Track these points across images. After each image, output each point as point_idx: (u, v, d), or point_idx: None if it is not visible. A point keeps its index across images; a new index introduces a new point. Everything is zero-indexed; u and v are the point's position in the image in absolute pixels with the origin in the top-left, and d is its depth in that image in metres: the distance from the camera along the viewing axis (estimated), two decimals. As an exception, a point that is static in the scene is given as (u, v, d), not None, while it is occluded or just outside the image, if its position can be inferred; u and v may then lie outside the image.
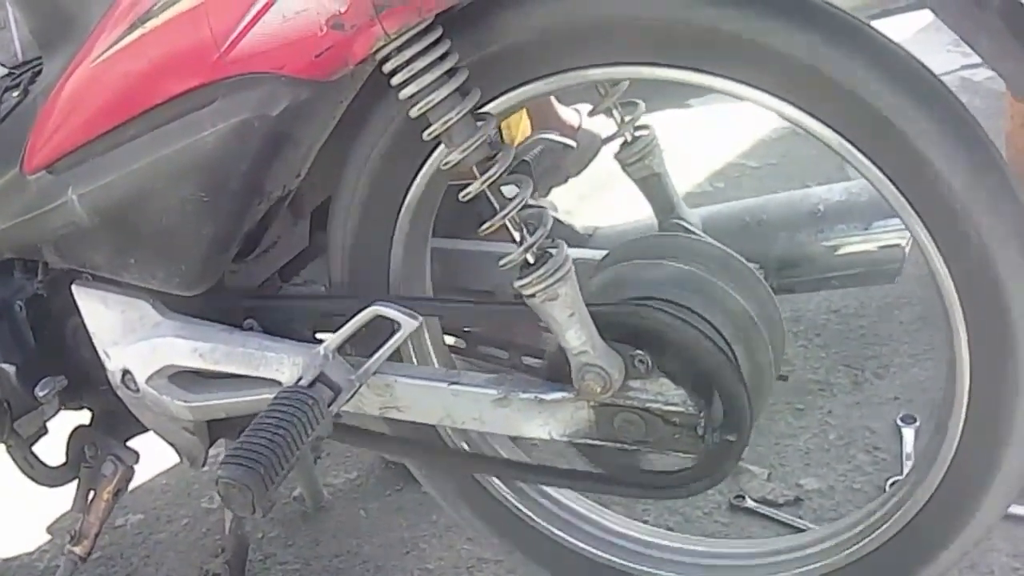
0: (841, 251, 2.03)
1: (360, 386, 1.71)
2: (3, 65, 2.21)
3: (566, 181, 2.58)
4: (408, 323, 1.69)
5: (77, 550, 2.15)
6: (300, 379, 1.68)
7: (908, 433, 2.46)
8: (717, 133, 3.53)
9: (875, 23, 1.50)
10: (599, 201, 2.92)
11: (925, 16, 3.71)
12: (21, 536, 2.69)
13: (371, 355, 1.70)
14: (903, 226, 1.56)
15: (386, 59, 1.54)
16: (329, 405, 1.66)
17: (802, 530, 2.23)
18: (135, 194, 1.76)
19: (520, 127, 2.38)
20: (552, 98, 2.59)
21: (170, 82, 1.66)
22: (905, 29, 3.12)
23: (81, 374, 2.03)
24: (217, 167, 1.68)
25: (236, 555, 2.33)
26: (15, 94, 1.98)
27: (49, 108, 1.81)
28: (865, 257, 2.02)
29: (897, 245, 1.98)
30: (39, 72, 1.95)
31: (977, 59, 1.43)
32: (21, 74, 2.03)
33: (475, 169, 1.57)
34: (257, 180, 1.70)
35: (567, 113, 2.62)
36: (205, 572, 2.40)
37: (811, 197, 2.11)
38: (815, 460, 2.46)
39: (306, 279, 2.05)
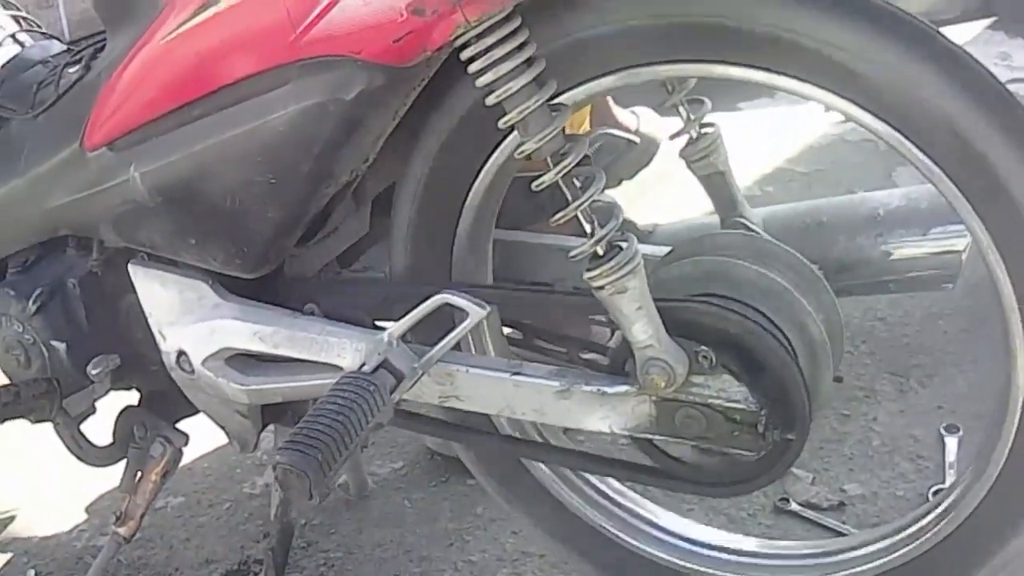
0: (899, 255, 2.03)
1: (423, 374, 1.70)
2: (60, 40, 2.21)
3: (618, 184, 2.57)
4: (476, 312, 1.68)
5: (122, 531, 2.15)
6: (363, 365, 1.67)
7: (951, 442, 2.46)
8: (766, 137, 3.52)
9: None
10: (645, 202, 2.92)
11: (973, 28, 3.72)
12: (59, 514, 2.68)
13: (435, 343, 1.70)
14: (961, 232, 1.56)
15: (464, 46, 1.53)
16: (391, 392, 1.65)
17: (845, 534, 2.21)
18: (200, 174, 1.76)
19: (582, 123, 2.37)
20: (610, 99, 2.58)
21: (242, 62, 1.66)
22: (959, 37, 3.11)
23: (134, 354, 2.03)
24: (287, 150, 1.68)
25: (281, 541, 2.32)
26: (75, 69, 1.98)
27: (113, 84, 1.81)
28: (922, 262, 2.02)
29: (955, 251, 1.98)
30: (101, 48, 1.95)
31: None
32: (82, 49, 2.03)
33: (549, 159, 1.56)
34: (327, 164, 1.69)
35: (624, 115, 2.61)
36: (247, 557, 2.42)
37: (871, 201, 2.11)
38: (859, 466, 2.45)
39: (365, 265, 2.05)
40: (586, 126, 2.38)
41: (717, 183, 1.92)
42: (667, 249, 1.86)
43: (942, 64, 1.45)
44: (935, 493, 2.31)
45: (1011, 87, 1.50)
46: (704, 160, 1.91)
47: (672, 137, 1.91)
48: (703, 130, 1.90)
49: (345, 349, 1.77)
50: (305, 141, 1.66)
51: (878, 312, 2.81)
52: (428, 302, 1.70)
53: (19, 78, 2.08)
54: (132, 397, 2.16)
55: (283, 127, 1.66)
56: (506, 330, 2.00)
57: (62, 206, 1.94)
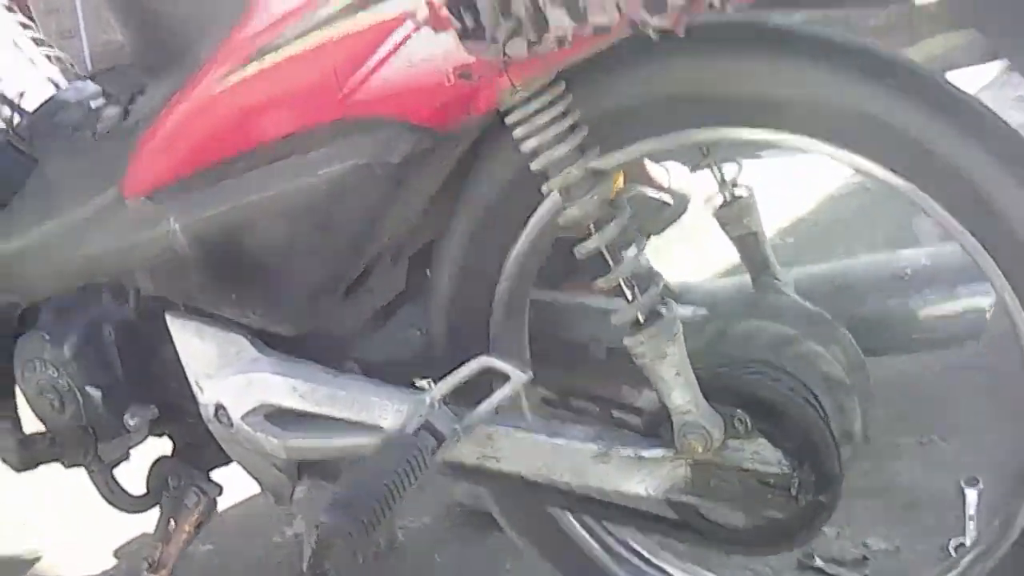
0: (925, 314, 2.04)
1: (463, 436, 1.72)
2: (94, 82, 2.22)
3: (647, 239, 2.57)
4: (518, 376, 1.70)
5: None
6: (404, 427, 1.69)
7: (971, 495, 2.46)
8: (788, 186, 3.53)
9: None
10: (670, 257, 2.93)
11: (989, 71, 3.72)
12: (88, 558, 2.69)
13: (474, 404, 1.72)
14: (986, 290, 1.58)
15: (509, 111, 1.55)
16: (433, 453, 1.67)
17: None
18: (241, 229, 1.77)
19: (616, 180, 2.39)
20: None
21: (287, 119, 1.67)
22: (971, 84, 3.12)
23: (170, 403, 2.03)
24: (331, 209, 1.69)
25: None
26: (111, 112, 1.99)
27: (153, 134, 1.81)
28: (948, 320, 2.03)
29: (981, 309, 1.99)
30: (138, 92, 1.96)
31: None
32: (119, 94, 2.03)
33: (592, 226, 1.58)
34: (371, 225, 1.71)
35: (656, 171, 2.62)
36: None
37: (898, 261, 2.13)
38: (882, 520, 2.45)
39: (401, 322, 2.04)
40: (620, 183, 2.39)
41: (750, 244, 1.93)
42: (701, 310, 1.88)
43: (961, 120, 1.49)
44: (956, 547, 2.32)
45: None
46: (738, 222, 1.92)
47: (707, 200, 1.92)
48: (736, 191, 1.92)
49: (387, 409, 1.77)
50: (349, 201, 1.67)
51: (902, 366, 2.81)
52: (469, 365, 1.72)
53: (54, 119, 2.07)
54: (165, 445, 2.16)
55: (327, 186, 1.67)
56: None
57: (99, 253, 1.93)
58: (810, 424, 1.65)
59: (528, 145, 1.56)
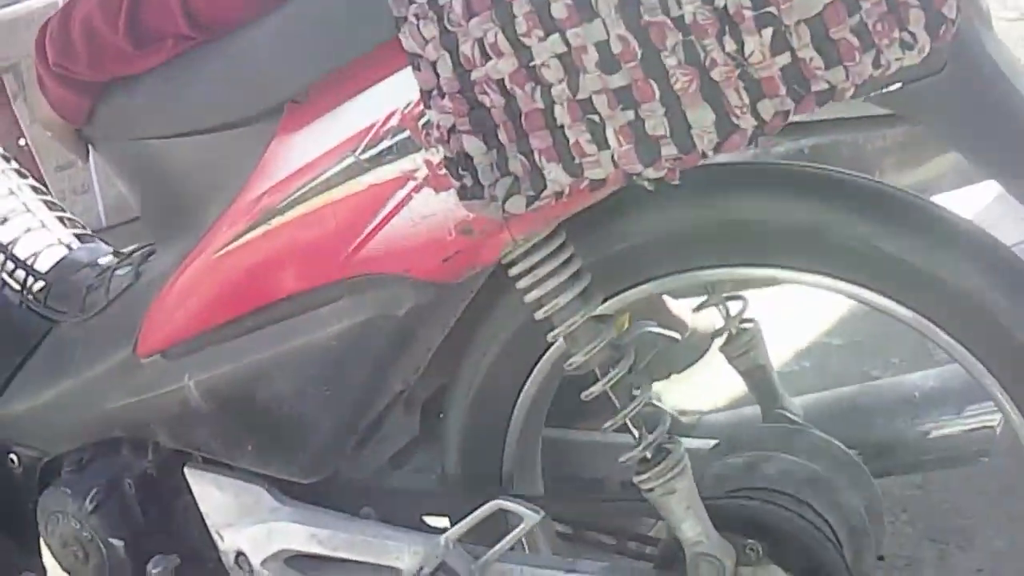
0: (935, 435, 2.06)
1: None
2: (106, 243, 2.26)
3: (668, 377, 2.58)
4: (531, 517, 1.73)
5: None
6: (421, 568, 1.72)
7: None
8: (801, 311, 3.55)
9: (941, 196, 1.55)
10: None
11: (992, 187, 3.74)
12: None
13: (490, 544, 1.75)
14: (994, 408, 1.60)
15: (511, 263, 1.59)
16: (450, 594, 1.68)
17: None
18: (254, 384, 1.79)
19: (621, 321, 2.41)
20: None
21: (294, 278, 1.70)
22: (973, 201, 3.15)
23: (192, 553, 2.04)
24: (341, 363, 1.72)
25: None
26: (123, 273, 2.02)
27: (165, 295, 1.84)
28: (958, 439, 2.05)
29: (989, 427, 2.01)
30: (148, 254, 2.01)
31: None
32: (129, 255, 2.07)
33: (597, 370, 1.61)
34: (380, 376, 1.74)
35: (677, 306, 2.62)
36: None
37: (906, 384, 2.16)
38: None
39: (416, 467, 2.07)
40: (625, 323, 2.42)
41: (757, 376, 1.97)
42: (712, 443, 1.91)
43: (958, 245, 1.54)
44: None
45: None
46: (745, 356, 1.96)
47: (713, 336, 1.96)
48: (743, 326, 1.95)
49: (403, 552, 1.79)
50: (358, 355, 1.70)
51: (916, 480, 2.83)
52: (483, 508, 1.74)
53: (68, 281, 2.09)
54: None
55: (336, 341, 1.70)
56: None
57: (116, 409, 1.95)
58: (822, 550, 1.68)
59: (532, 296, 1.59)
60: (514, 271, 1.60)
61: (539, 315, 1.60)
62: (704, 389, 2.64)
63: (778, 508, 1.70)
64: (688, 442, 1.80)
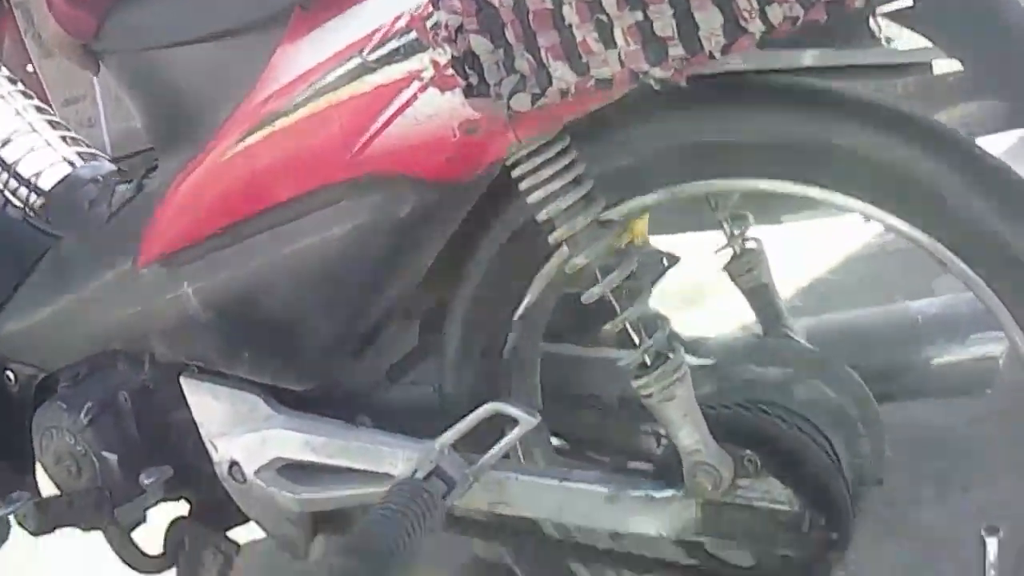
0: (937, 362, 2.04)
1: (475, 481, 1.73)
2: (109, 159, 2.25)
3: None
4: (527, 420, 1.71)
5: None
6: (415, 472, 1.70)
7: (991, 544, 2.44)
8: (809, 249, 3.53)
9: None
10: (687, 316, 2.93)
11: (1013, 136, 3.71)
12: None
13: (486, 451, 1.73)
14: (999, 338, 1.58)
15: (515, 164, 1.57)
16: (444, 498, 1.68)
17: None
18: (254, 290, 1.80)
19: (642, 232, 2.39)
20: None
21: (296, 180, 1.70)
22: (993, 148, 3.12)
23: (185, 464, 2.04)
24: (341, 267, 1.73)
25: None
26: (126, 188, 2.03)
27: (167, 203, 1.84)
28: (961, 368, 2.03)
29: (993, 357, 2.00)
30: (151, 168, 1.99)
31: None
32: (132, 169, 2.08)
33: (598, 273, 1.59)
34: (379, 279, 1.74)
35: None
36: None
37: (910, 310, 2.14)
38: (901, 570, 2.45)
39: (414, 379, 2.06)
40: (636, 234, 2.40)
41: (760, 296, 1.95)
42: (710, 360, 1.89)
43: (978, 174, 1.50)
44: (977, 595, 2.31)
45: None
46: (748, 274, 1.94)
47: (717, 252, 1.94)
48: (746, 245, 1.94)
49: (397, 458, 1.79)
50: (358, 257, 1.71)
51: (920, 417, 2.80)
52: (479, 411, 1.73)
53: (71, 197, 2.13)
54: (182, 507, 2.17)
55: (337, 244, 1.70)
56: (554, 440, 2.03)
57: (115, 322, 1.97)
58: (820, 464, 1.67)
59: (534, 197, 1.58)
60: (517, 171, 1.57)
61: (541, 217, 1.58)
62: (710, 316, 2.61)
63: (778, 421, 1.69)
64: (690, 359, 1.79)
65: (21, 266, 2.10)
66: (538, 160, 1.55)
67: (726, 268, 1.96)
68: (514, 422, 1.72)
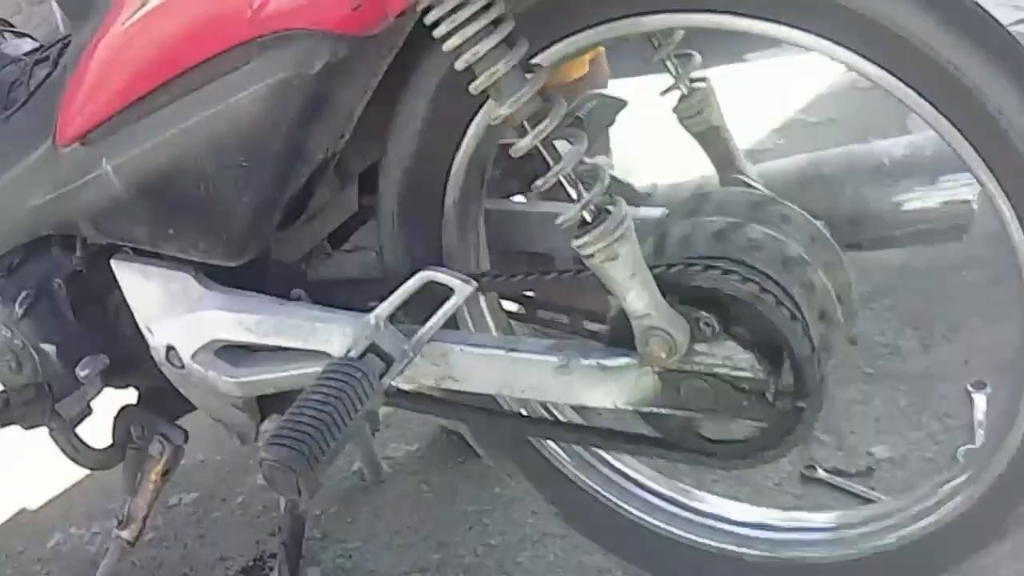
0: (908, 207, 1.93)
1: (414, 356, 1.64)
2: (32, 38, 2.17)
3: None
4: (462, 288, 1.63)
5: (124, 534, 2.11)
6: (350, 350, 1.61)
7: (979, 400, 2.38)
8: (775, 88, 3.43)
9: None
10: (653, 159, 2.84)
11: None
12: (70, 518, 2.66)
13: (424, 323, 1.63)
14: (971, 181, 1.55)
15: (428, 9, 1.45)
16: (381, 377, 1.59)
17: (874, 501, 2.14)
18: (171, 162, 1.72)
19: (581, 70, 2.28)
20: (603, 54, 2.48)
21: (202, 43, 1.62)
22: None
23: (124, 352, 1.98)
24: (255, 131, 1.63)
25: (292, 535, 2.25)
26: (44, 66, 1.96)
27: (78, 77, 1.77)
28: (933, 213, 1.93)
29: (966, 201, 1.89)
30: (68, 45, 1.92)
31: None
32: (50, 47, 2.01)
33: (526, 124, 1.48)
34: (298, 143, 1.64)
35: None
36: (262, 552, 2.38)
37: (874, 150, 2.03)
38: (885, 428, 2.38)
39: (356, 245, 1.97)
40: (583, 67, 2.29)
41: (712, 139, 1.85)
42: (659, 210, 1.79)
43: (944, 11, 1.39)
44: (965, 453, 2.23)
45: (1019, 28, 1.43)
46: (697, 116, 1.84)
47: (662, 93, 1.83)
48: (694, 85, 1.83)
49: (332, 334, 1.71)
50: (272, 120, 1.61)
51: (899, 264, 2.72)
52: (412, 280, 1.65)
53: None
54: (131, 396, 2.11)
55: (249, 107, 1.61)
56: (508, 304, 1.95)
57: (40, 205, 1.90)
58: (783, 325, 1.54)
59: (450, 44, 1.45)
60: (430, 17, 1.45)
61: (459, 65, 1.46)
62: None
63: (736, 278, 1.56)
64: (638, 211, 1.71)
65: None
66: (451, 3, 1.43)
67: (674, 110, 1.85)
68: (451, 291, 1.63)
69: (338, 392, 1.53)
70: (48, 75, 1.91)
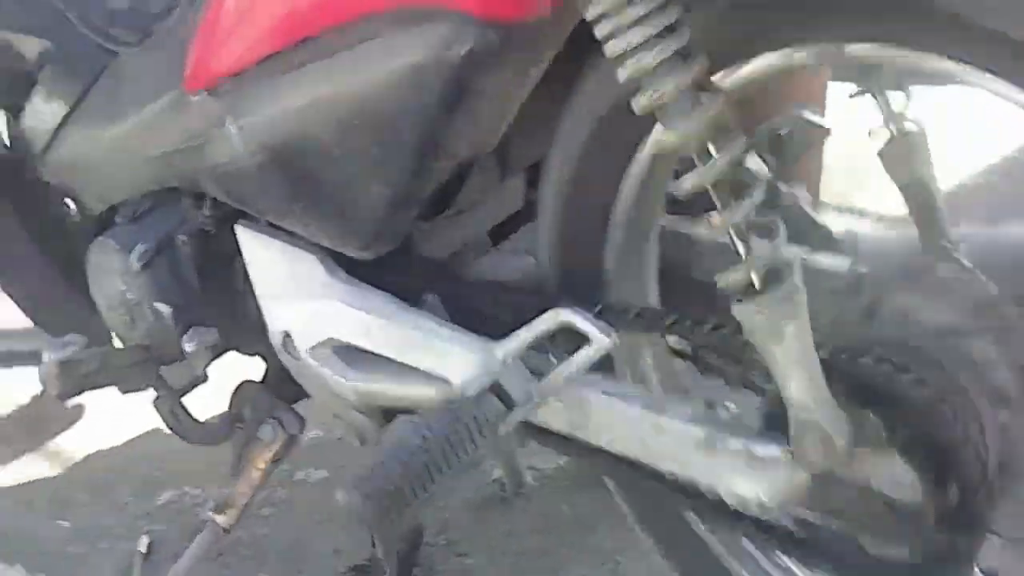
0: None
1: (539, 403, 1.47)
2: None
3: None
4: (600, 340, 1.42)
5: (220, 519, 1.96)
6: (472, 383, 1.47)
7: None
8: (958, 121, 3.05)
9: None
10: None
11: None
12: (187, 475, 2.57)
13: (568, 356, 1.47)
14: None
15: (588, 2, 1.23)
16: (496, 422, 1.43)
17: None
18: (298, 134, 1.57)
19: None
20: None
21: (336, 8, 1.47)
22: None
23: (242, 328, 1.84)
24: (389, 115, 1.47)
25: (410, 543, 2.13)
26: None
27: (213, 17, 1.64)
28: None
29: None
30: None
31: None
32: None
33: (695, 157, 1.24)
34: (436, 136, 1.47)
35: None
36: (375, 553, 2.20)
37: None
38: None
39: (520, 245, 1.82)
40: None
41: (916, 195, 1.58)
42: (853, 262, 1.56)
43: None
44: None
45: None
46: (904, 164, 1.58)
47: (871, 133, 1.57)
48: (905, 126, 1.57)
49: (453, 360, 1.55)
50: (408, 107, 1.45)
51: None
52: (544, 319, 1.46)
53: (132, 10, 1.94)
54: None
55: (383, 88, 1.45)
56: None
57: (168, 154, 1.77)
58: (963, 449, 1.30)
59: (612, 49, 1.22)
60: (591, 13, 1.22)
61: (622, 76, 1.22)
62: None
63: (920, 383, 1.30)
64: (828, 259, 1.52)
65: (80, 81, 1.90)
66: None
67: (880, 154, 1.59)
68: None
69: (442, 438, 1.40)
70: (187, 11, 1.79)
